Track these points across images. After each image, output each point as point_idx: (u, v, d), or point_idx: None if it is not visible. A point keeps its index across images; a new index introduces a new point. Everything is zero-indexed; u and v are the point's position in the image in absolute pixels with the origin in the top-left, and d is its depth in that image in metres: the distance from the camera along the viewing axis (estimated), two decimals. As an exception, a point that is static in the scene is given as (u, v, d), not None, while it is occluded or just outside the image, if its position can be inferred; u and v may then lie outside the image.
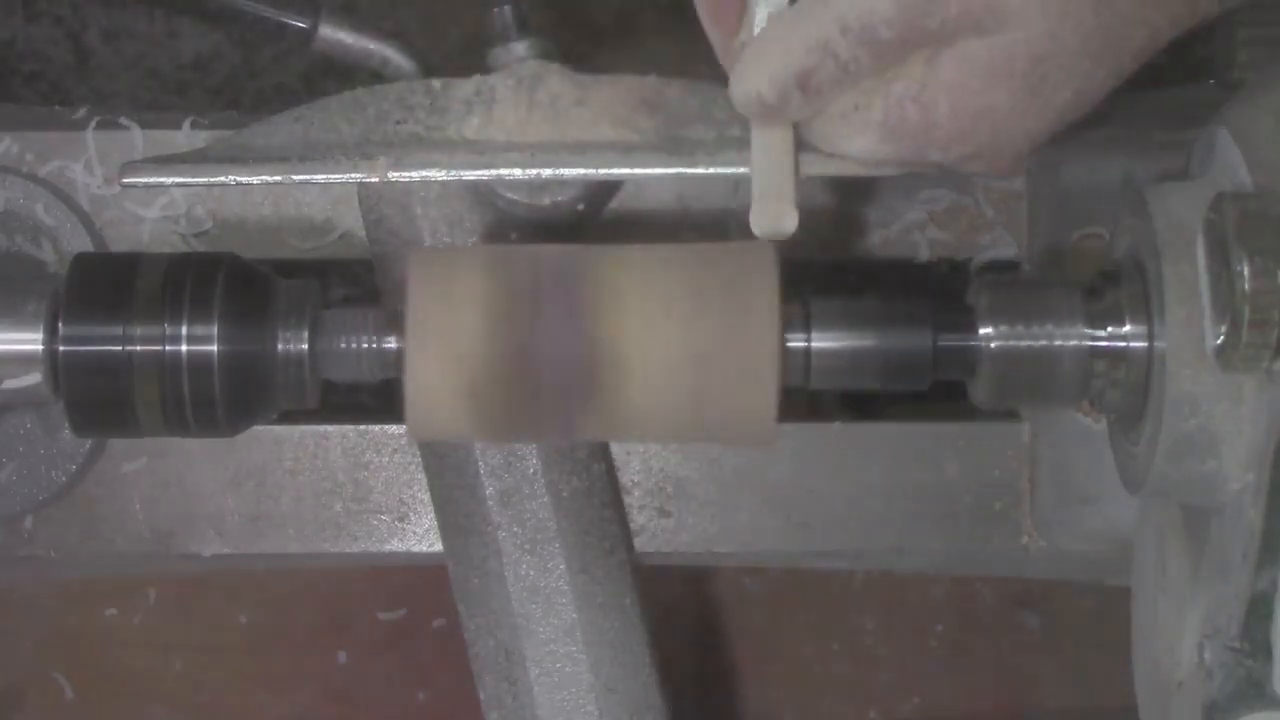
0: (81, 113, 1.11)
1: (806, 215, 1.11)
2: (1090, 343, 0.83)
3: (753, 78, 0.84)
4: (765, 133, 0.86)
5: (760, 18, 0.85)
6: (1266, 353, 0.75)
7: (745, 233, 0.87)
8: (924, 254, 1.12)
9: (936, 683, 1.54)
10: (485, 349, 0.82)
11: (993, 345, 0.84)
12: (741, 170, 0.89)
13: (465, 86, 0.96)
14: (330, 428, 1.12)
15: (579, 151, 0.93)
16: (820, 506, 1.12)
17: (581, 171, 0.92)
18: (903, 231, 1.12)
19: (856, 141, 0.84)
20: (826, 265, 1.14)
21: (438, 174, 0.93)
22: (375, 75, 1.06)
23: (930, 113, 0.82)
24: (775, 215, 0.86)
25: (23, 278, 0.91)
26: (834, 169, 0.87)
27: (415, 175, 0.93)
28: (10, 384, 0.85)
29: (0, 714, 1.53)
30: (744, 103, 0.85)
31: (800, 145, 0.87)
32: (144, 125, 1.11)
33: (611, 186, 1.05)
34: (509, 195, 1.02)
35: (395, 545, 1.13)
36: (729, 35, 0.86)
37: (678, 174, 0.92)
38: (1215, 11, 0.82)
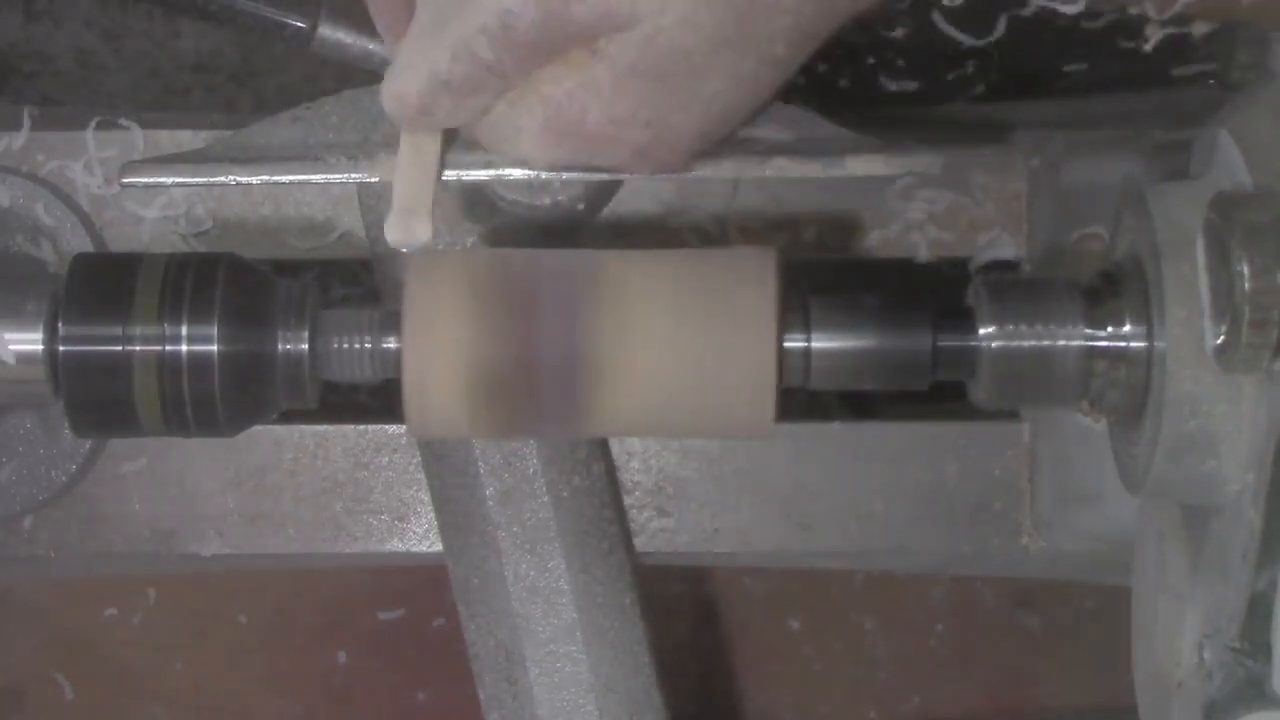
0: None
1: (808, 216, 1.12)
2: (1090, 343, 0.83)
3: (399, 82, 0.83)
4: (411, 139, 0.86)
5: (418, 22, 0.84)
6: (1266, 353, 0.75)
7: (744, 234, 0.87)
8: (924, 254, 1.12)
9: (936, 683, 1.54)
10: (485, 349, 0.82)
11: (992, 345, 0.84)
12: (741, 171, 0.89)
13: (465, 86, 0.95)
14: (330, 428, 1.12)
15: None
16: (820, 506, 1.12)
17: (581, 173, 0.92)
18: (903, 231, 1.13)
19: (523, 146, 0.84)
20: (826, 265, 1.14)
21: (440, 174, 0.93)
22: (375, 75, 1.06)
23: (584, 114, 0.82)
24: (409, 226, 0.85)
25: (23, 278, 0.90)
26: (487, 174, 0.87)
27: (415, 175, 0.92)
28: (14, 348, 0.85)
29: (0, 714, 1.53)
30: (392, 107, 0.84)
31: (452, 149, 0.86)
32: (144, 125, 1.11)
33: (611, 186, 1.05)
34: (509, 195, 1.02)
35: (395, 545, 1.13)
36: (398, 39, 0.85)
37: (678, 175, 0.92)
38: (865, 2, 0.81)
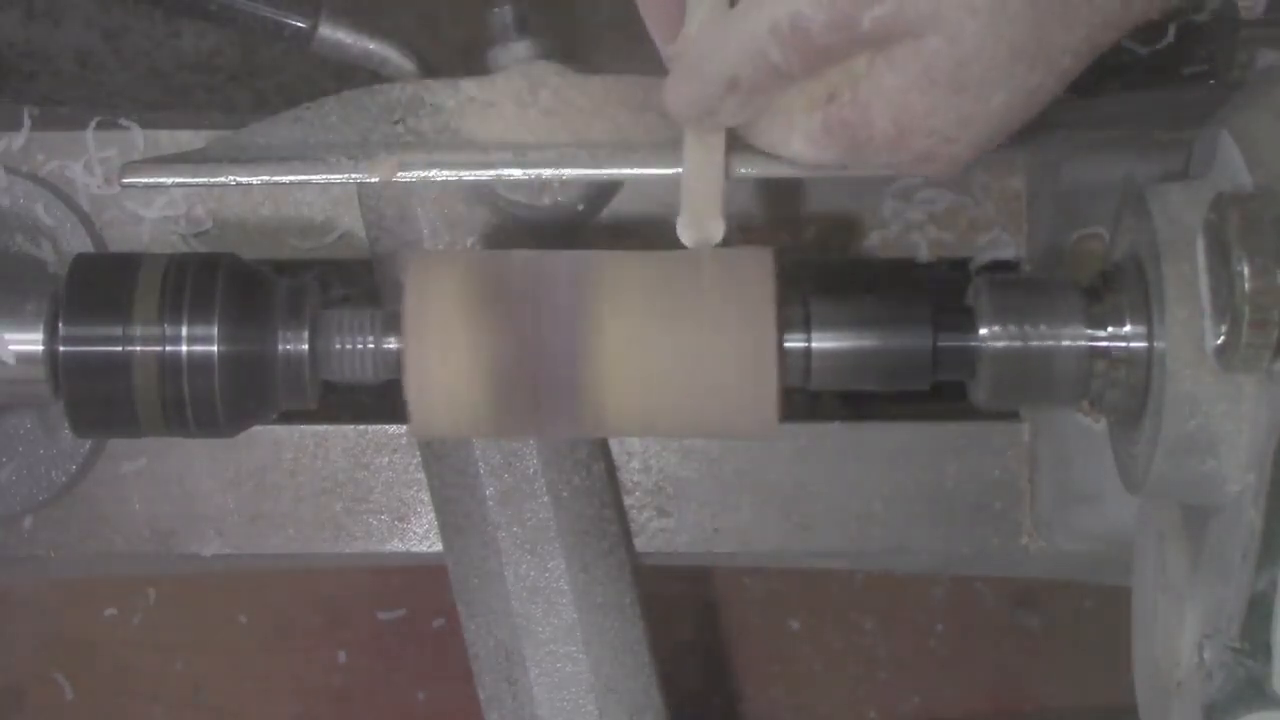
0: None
1: (808, 216, 1.12)
2: (1090, 343, 0.83)
3: (685, 84, 0.83)
4: (697, 139, 0.86)
5: (697, 22, 0.84)
6: (1266, 353, 0.75)
7: (744, 234, 0.88)
8: (924, 254, 1.12)
9: (936, 683, 1.54)
10: (486, 350, 0.82)
11: (992, 345, 0.84)
12: (740, 170, 0.89)
13: (465, 87, 0.96)
14: (330, 428, 1.12)
15: (579, 151, 0.93)
16: (820, 506, 1.12)
17: (581, 171, 0.92)
18: (903, 231, 1.12)
19: (795, 145, 0.84)
20: (826, 265, 1.14)
21: (438, 174, 0.93)
22: (375, 75, 1.06)
23: (866, 116, 0.81)
24: (703, 225, 0.86)
25: (23, 278, 0.91)
26: (768, 172, 0.87)
27: (415, 175, 0.93)
28: (14, 348, 0.85)
29: (0, 714, 1.53)
30: (677, 109, 0.84)
31: (734, 147, 0.86)
32: (144, 125, 1.11)
33: (611, 186, 1.05)
34: (509, 195, 1.02)
35: (395, 545, 1.13)
36: (669, 40, 0.85)
37: (678, 174, 0.92)
38: (1154, 13, 0.81)
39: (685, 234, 0.86)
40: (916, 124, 0.81)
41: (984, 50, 0.78)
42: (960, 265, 1.13)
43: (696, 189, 0.86)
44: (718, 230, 0.86)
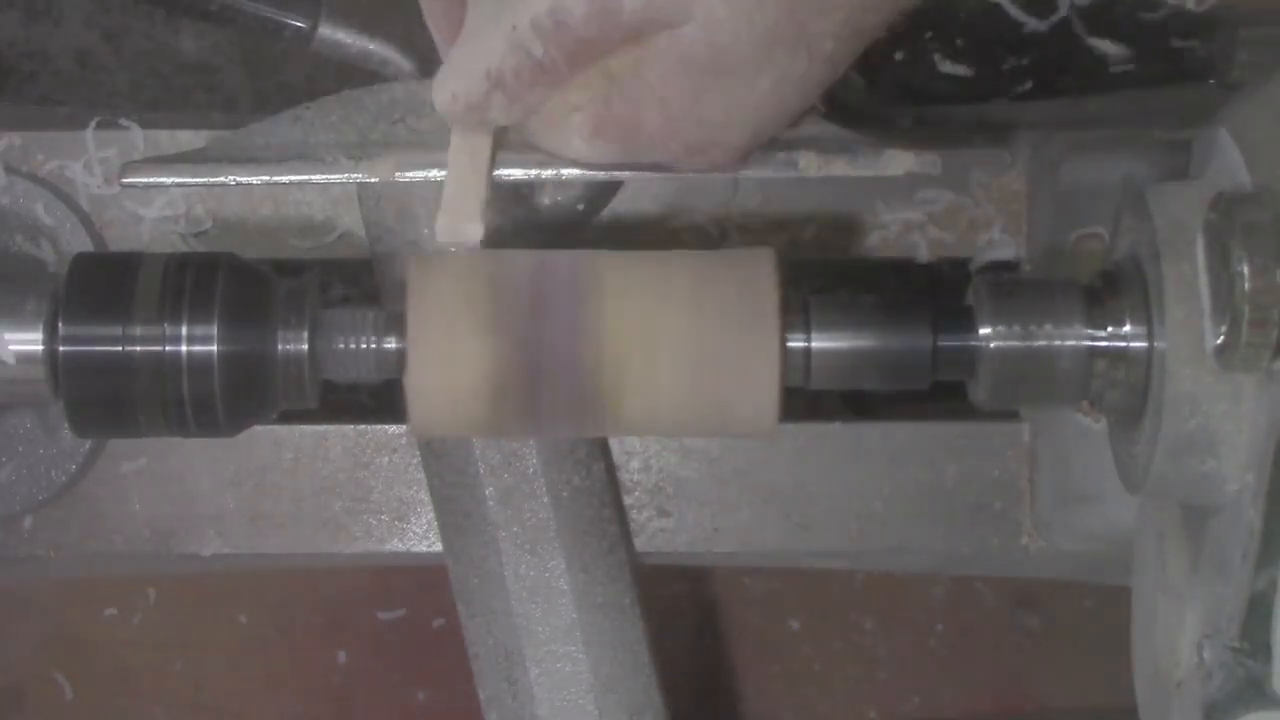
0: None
1: (808, 216, 1.12)
2: (1090, 343, 0.83)
3: (452, 79, 0.83)
4: (462, 138, 0.86)
5: (470, 20, 0.84)
6: (1266, 352, 0.75)
7: (744, 234, 0.88)
8: (924, 254, 1.12)
9: (936, 683, 1.55)
10: (487, 350, 0.82)
11: (992, 345, 0.84)
12: (740, 170, 0.89)
13: (465, 86, 0.95)
14: (330, 428, 1.12)
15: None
16: (820, 506, 1.12)
17: (581, 171, 0.92)
18: (902, 231, 1.13)
19: (572, 142, 0.84)
20: (826, 265, 1.14)
21: (438, 174, 0.93)
22: (375, 75, 1.06)
23: (636, 111, 0.81)
24: (459, 227, 0.85)
25: (22, 277, 0.91)
26: (533, 174, 0.87)
27: (416, 175, 0.92)
28: (13, 348, 0.85)
29: (0, 714, 1.53)
30: (444, 104, 0.84)
31: (503, 148, 0.86)
32: (144, 125, 1.11)
33: (611, 187, 1.05)
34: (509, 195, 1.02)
35: (395, 545, 1.13)
36: (450, 37, 0.85)
37: (677, 174, 0.92)
38: (899, 12, 0.81)
39: (442, 234, 0.85)
40: (685, 114, 0.81)
41: (740, 35, 0.78)
42: (960, 265, 1.13)
43: (457, 189, 0.86)
44: (475, 232, 0.85)
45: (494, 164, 0.86)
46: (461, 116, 0.84)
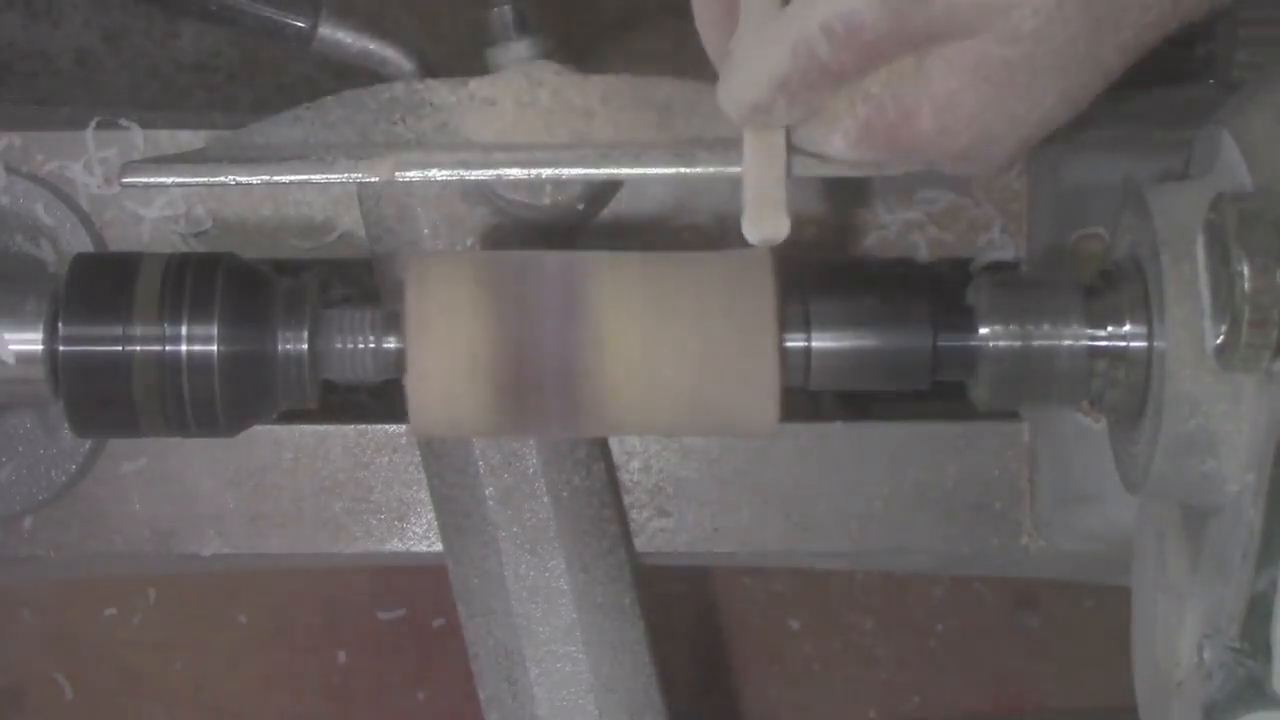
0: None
1: (808, 216, 1.12)
2: (1090, 342, 0.83)
3: (737, 83, 0.83)
4: (756, 138, 0.86)
5: (749, 22, 0.84)
6: (1266, 353, 0.75)
7: (742, 234, 0.87)
8: (924, 254, 1.12)
9: (936, 683, 1.54)
10: (487, 349, 0.82)
11: (992, 345, 0.84)
12: (739, 170, 0.89)
13: (465, 86, 0.96)
14: (330, 428, 1.12)
15: (579, 151, 0.93)
16: (820, 506, 1.12)
17: (581, 171, 0.92)
18: (902, 231, 1.12)
19: (835, 143, 0.84)
20: (826, 265, 1.14)
21: (438, 174, 0.93)
22: (375, 75, 1.06)
23: (910, 116, 0.82)
24: (767, 223, 0.86)
25: (22, 277, 0.91)
26: (825, 171, 0.87)
27: (416, 175, 0.93)
28: (14, 348, 0.85)
29: (0, 714, 1.53)
30: (731, 109, 0.84)
31: (791, 148, 0.87)
32: (144, 125, 1.11)
33: (611, 186, 1.05)
34: (509, 195, 1.02)
35: (395, 545, 1.13)
36: (721, 40, 0.85)
37: (678, 174, 0.92)
38: (1201, 13, 0.82)
39: (750, 232, 0.86)
40: (961, 124, 0.81)
41: (1039, 50, 0.78)
42: (960, 265, 1.13)
43: (759, 187, 0.86)
44: (783, 228, 0.86)
45: (789, 160, 0.86)
46: (749, 120, 0.84)
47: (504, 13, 1.00)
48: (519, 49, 0.99)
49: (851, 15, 0.78)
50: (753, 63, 0.82)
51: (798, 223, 1.12)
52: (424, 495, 1.11)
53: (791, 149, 0.86)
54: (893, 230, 1.12)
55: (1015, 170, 1.12)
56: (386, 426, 1.12)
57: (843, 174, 0.87)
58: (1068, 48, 0.79)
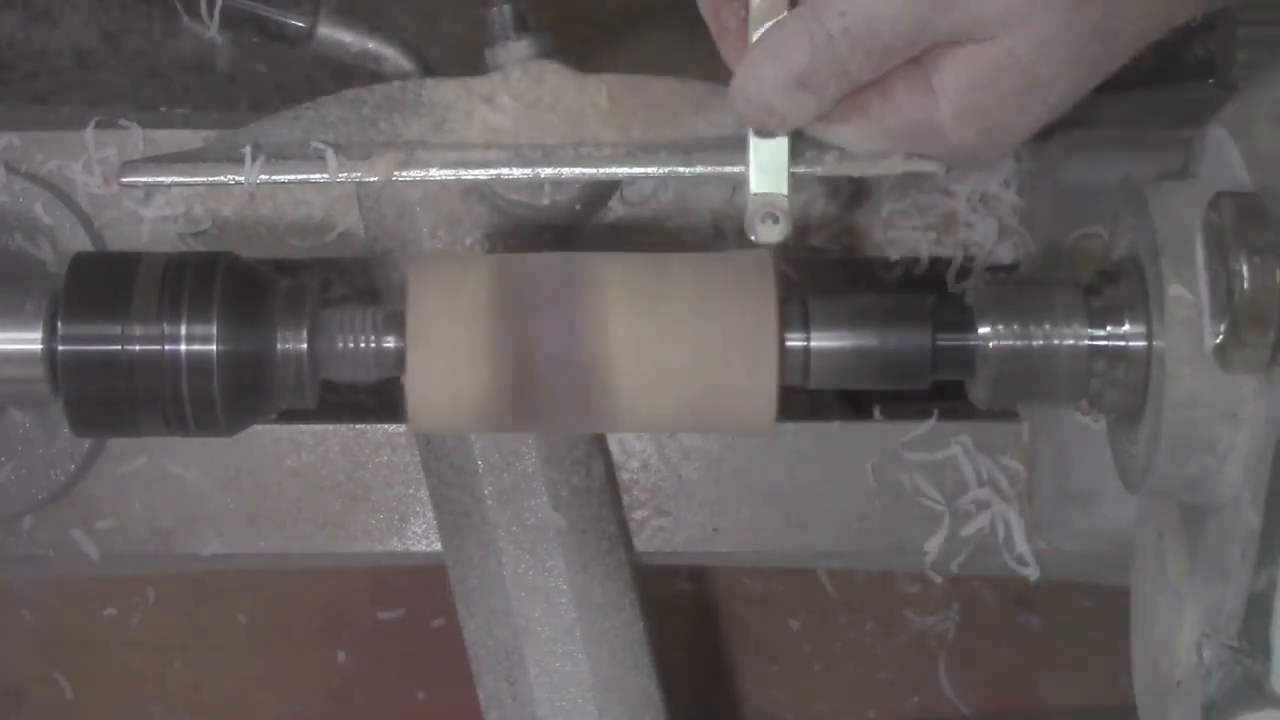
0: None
1: (808, 217, 1.12)
2: (1089, 342, 0.83)
3: (751, 84, 0.84)
4: (761, 139, 0.87)
5: (761, 20, 0.84)
6: (1266, 352, 0.75)
7: (743, 235, 0.87)
8: (924, 254, 1.12)
9: (936, 683, 1.54)
10: (486, 349, 0.82)
11: (992, 345, 0.84)
12: (740, 170, 0.89)
13: (464, 86, 0.96)
14: (329, 427, 1.12)
15: (579, 151, 0.93)
16: (820, 506, 1.12)
17: (581, 171, 0.93)
18: (903, 232, 1.12)
19: (843, 133, 0.85)
20: (826, 265, 1.14)
21: (438, 174, 0.93)
22: (374, 75, 1.06)
23: (930, 114, 0.83)
24: (770, 223, 0.87)
25: (21, 277, 0.91)
26: (826, 171, 0.87)
27: (415, 175, 0.93)
28: (5, 347, 0.85)
29: (0, 714, 1.53)
30: (745, 108, 0.85)
31: (795, 147, 0.87)
32: (144, 125, 1.11)
33: (611, 186, 1.05)
34: (508, 195, 1.02)
35: (395, 545, 1.13)
36: (732, 37, 0.86)
37: (678, 174, 0.92)
38: (1197, 12, 0.83)
39: (753, 231, 0.87)
40: (978, 120, 0.83)
41: (1054, 52, 0.80)
42: (961, 266, 1.13)
43: (762, 187, 0.87)
44: (786, 227, 0.87)
45: (791, 159, 0.87)
46: (762, 120, 0.85)
47: (504, 12, 1.00)
48: (519, 48, 0.99)
49: (871, 16, 0.79)
50: (768, 65, 0.83)
51: (800, 223, 1.12)
52: (423, 495, 1.11)
53: (794, 147, 0.87)
54: (893, 231, 1.12)
55: (1015, 171, 1.12)
56: (386, 426, 1.12)
57: (843, 173, 0.88)
58: (1076, 50, 0.81)
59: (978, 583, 1.52)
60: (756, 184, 0.87)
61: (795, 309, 0.85)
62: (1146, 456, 0.81)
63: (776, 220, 0.87)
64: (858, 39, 0.80)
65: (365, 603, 1.54)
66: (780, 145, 0.87)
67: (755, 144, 0.87)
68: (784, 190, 0.87)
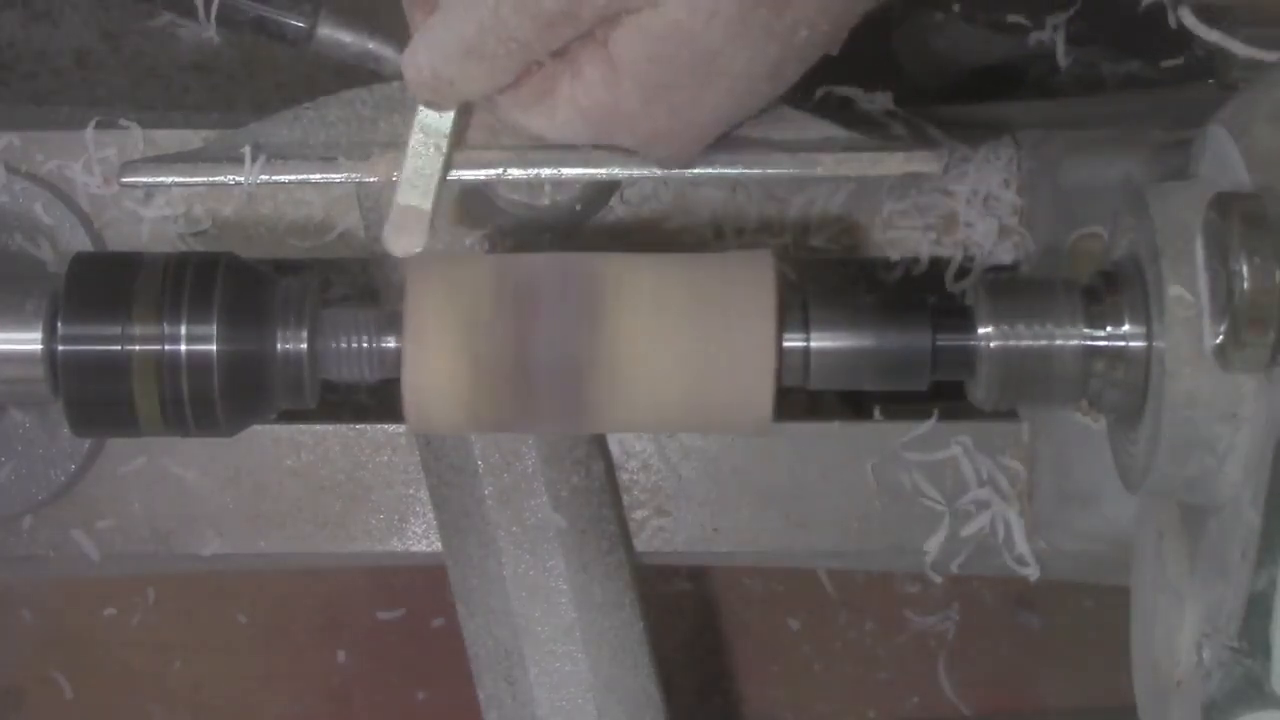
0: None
1: (808, 217, 1.12)
2: (1089, 342, 0.83)
3: (423, 50, 0.83)
4: (421, 133, 0.87)
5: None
6: (1266, 352, 0.75)
7: (743, 235, 0.88)
8: (924, 254, 1.12)
9: (936, 683, 1.54)
10: (485, 349, 0.82)
11: (991, 345, 0.84)
12: (738, 170, 0.89)
13: (464, 86, 0.95)
14: (329, 427, 1.12)
15: (578, 151, 0.93)
16: (820, 506, 1.12)
17: (581, 171, 0.92)
18: (903, 232, 1.12)
19: (546, 122, 0.85)
20: (826, 265, 1.14)
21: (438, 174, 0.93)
22: (374, 75, 1.06)
23: (616, 93, 0.82)
24: (409, 232, 0.87)
25: (22, 277, 0.91)
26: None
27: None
28: (5, 347, 0.85)
29: (0, 714, 1.53)
30: (414, 79, 0.84)
31: (454, 143, 0.87)
32: (144, 125, 1.11)
33: (610, 186, 1.05)
34: (508, 195, 1.02)
35: (395, 545, 1.13)
36: (425, 18, 0.85)
37: (677, 174, 0.92)
38: (873, 6, 0.82)
39: (389, 240, 0.88)
40: (658, 99, 0.82)
41: (713, 20, 0.79)
42: (960, 266, 1.13)
43: (411, 190, 0.88)
44: (423, 238, 0.87)
45: (449, 162, 0.87)
46: (431, 88, 0.84)
47: (503, 12, 1.00)
48: (518, 49, 0.99)
49: None
50: (440, 32, 0.82)
51: (799, 223, 1.12)
52: (423, 495, 1.11)
53: (454, 143, 0.87)
54: (893, 231, 1.12)
55: (1014, 170, 1.12)
56: (385, 426, 1.12)
57: (843, 173, 0.87)
58: (743, 18, 0.79)
59: (978, 583, 1.52)
60: (404, 184, 0.88)
61: (795, 309, 0.85)
62: (1146, 456, 0.81)
63: (415, 229, 0.87)
64: (523, 4, 0.79)
65: (365, 603, 1.54)
66: (439, 142, 0.87)
67: (415, 139, 0.87)
68: (430, 196, 0.87)
